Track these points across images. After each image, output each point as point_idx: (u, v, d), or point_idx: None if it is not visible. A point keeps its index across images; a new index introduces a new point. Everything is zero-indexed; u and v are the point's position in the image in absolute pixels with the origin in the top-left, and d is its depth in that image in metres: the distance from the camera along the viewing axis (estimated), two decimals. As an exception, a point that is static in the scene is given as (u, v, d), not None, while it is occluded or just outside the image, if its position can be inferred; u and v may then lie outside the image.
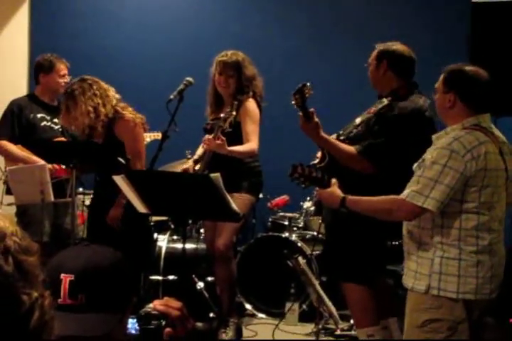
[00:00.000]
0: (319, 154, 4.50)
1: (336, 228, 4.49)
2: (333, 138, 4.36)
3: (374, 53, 4.48)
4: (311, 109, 4.19)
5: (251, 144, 5.18)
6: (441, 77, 3.49)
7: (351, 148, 4.27)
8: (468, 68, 3.45)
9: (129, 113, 5.14)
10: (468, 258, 3.28)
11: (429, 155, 3.33)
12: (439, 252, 3.31)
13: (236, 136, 5.13)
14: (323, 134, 4.23)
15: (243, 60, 5.34)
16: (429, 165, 3.28)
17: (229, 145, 4.98)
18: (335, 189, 3.63)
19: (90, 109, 5.05)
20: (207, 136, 5.07)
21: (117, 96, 5.21)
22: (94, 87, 5.12)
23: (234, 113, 4.95)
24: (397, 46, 4.46)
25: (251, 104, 5.27)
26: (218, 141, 4.92)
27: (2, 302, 1.10)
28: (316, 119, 4.18)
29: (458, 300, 3.28)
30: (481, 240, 3.29)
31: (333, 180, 3.68)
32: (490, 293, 3.32)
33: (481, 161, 3.25)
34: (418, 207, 3.26)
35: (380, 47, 4.48)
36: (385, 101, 4.36)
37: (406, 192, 3.32)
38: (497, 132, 3.45)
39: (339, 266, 4.47)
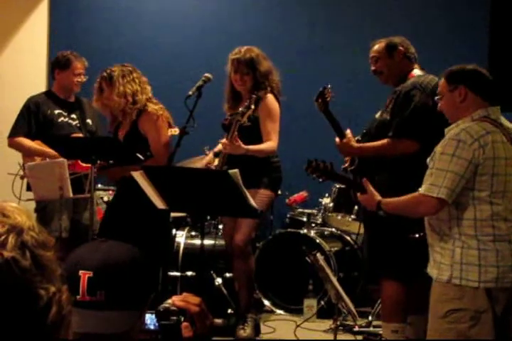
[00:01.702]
0: (347, 158, 4.60)
1: (373, 226, 4.54)
2: (358, 138, 4.58)
3: (381, 46, 4.65)
4: (347, 131, 4.40)
5: (270, 143, 5.13)
6: (442, 80, 3.60)
7: (383, 140, 4.38)
8: (468, 66, 3.57)
9: (153, 105, 5.13)
10: (487, 248, 3.33)
11: (438, 147, 3.42)
12: (459, 243, 3.37)
13: (254, 130, 5.12)
14: (356, 145, 4.42)
15: (257, 56, 5.25)
16: (438, 156, 3.38)
17: (247, 140, 4.97)
18: (372, 193, 3.73)
19: (129, 91, 5.06)
20: (223, 141, 5.00)
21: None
22: (135, 75, 5.16)
23: (253, 107, 4.88)
24: (397, 38, 4.68)
25: (270, 101, 5.20)
26: (236, 143, 4.88)
27: (20, 297, 1.10)
28: (349, 135, 4.40)
29: (479, 289, 3.32)
30: (498, 230, 3.35)
31: (364, 180, 3.78)
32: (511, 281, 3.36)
33: (489, 150, 3.33)
34: (434, 199, 3.35)
35: (381, 42, 4.67)
36: (399, 88, 4.50)
37: (422, 186, 3.43)
38: (506, 123, 3.52)
39: (376, 262, 4.56)
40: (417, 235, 3.82)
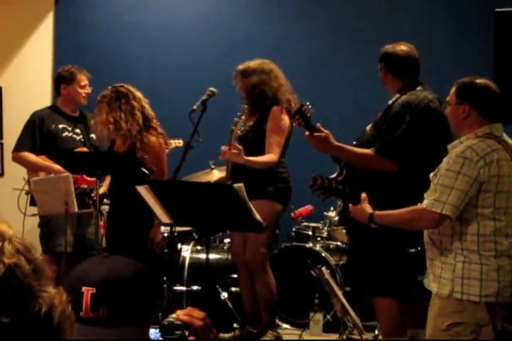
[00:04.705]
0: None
1: (361, 240, 4.48)
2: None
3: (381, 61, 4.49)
4: (317, 124, 4.17)
5: (270, 156, 5.07)
6: (453, 90, 3.58)
7: (367, 151, 4.24)
8: (479, 80, 3.57)
9: (151, 136, 5.08)
10: (489, 263, 3.39)
11: (444, 164, 3.45)
12: (460, 257, 3.42)
13: (257, 143, 5.10)
14: (335, 143, 4.20)
15: (253, 69, 5.23)
16: (444, 173, 3.41)
17: (251, 152, 4.96)
18: (365, 205, 3.76)
19: (111, 120, 5.03)
20: (223, 147, 4.95)
21: (151, 113, 5.18)
22: (123, 101, 5.08)
23: (243, 117, 4.92)
24: (394, 47, 4.42)
25: (276, 113, 5.14)
26: (234, 151, 4.84)
27: (27, 302, 1.11)
28: (325, 131, 4.17)
29: (480, 303, 3.37)
30: (499, 245, 3.40)
31: (363, 195, 3.80)
32: (510, 296, 3.41)
33: (494, 167, 3.38)
34: (438, 214, 3.39)
35: (382, 49, 4.47)
36: (390, 102, 4.37)
37: (425, 201, 3.46)
38: (509, 140, 3.56)
39: (366, 278, 4.45)
40: (413, 250, 3.83)
